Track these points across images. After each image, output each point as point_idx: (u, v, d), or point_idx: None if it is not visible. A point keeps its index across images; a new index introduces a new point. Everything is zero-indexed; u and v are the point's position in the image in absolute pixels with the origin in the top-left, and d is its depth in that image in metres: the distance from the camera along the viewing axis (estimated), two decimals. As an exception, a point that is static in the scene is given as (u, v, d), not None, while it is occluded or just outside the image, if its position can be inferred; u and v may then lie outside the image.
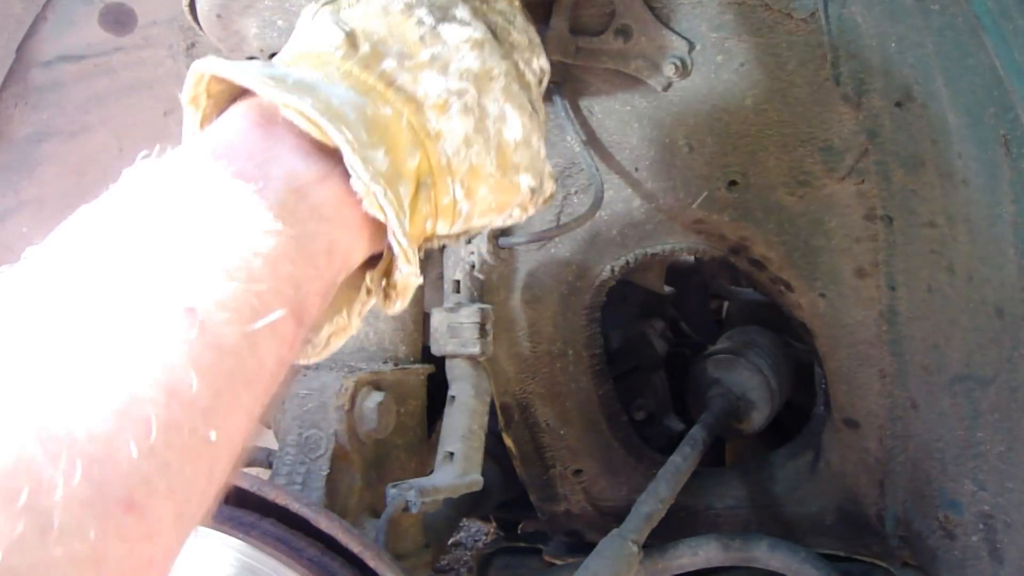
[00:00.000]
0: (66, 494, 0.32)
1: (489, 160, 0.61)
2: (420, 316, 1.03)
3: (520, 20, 0.70)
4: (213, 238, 0.43)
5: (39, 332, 0.36)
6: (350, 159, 0.50)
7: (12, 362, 0.35)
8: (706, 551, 1.15)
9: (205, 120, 0.55)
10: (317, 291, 0.49)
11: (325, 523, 0.74)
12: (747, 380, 1.43)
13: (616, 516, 1.26)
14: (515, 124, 0.63)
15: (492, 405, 1.14)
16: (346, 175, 0.50)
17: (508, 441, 1.33)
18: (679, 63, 0.93)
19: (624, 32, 0.93)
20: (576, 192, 1.10)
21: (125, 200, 0.44)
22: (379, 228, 0.53)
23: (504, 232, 0.99)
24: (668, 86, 0.96)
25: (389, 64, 0.57)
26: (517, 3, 0.72)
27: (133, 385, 0.36)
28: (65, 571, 0.31)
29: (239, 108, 0.53)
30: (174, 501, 0.37)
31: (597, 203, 0.99)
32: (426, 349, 1.04)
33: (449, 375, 1.01)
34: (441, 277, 1.03)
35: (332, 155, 0.51)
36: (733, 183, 1.02)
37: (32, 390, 0.34)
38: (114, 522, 0.34)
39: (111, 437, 0.34)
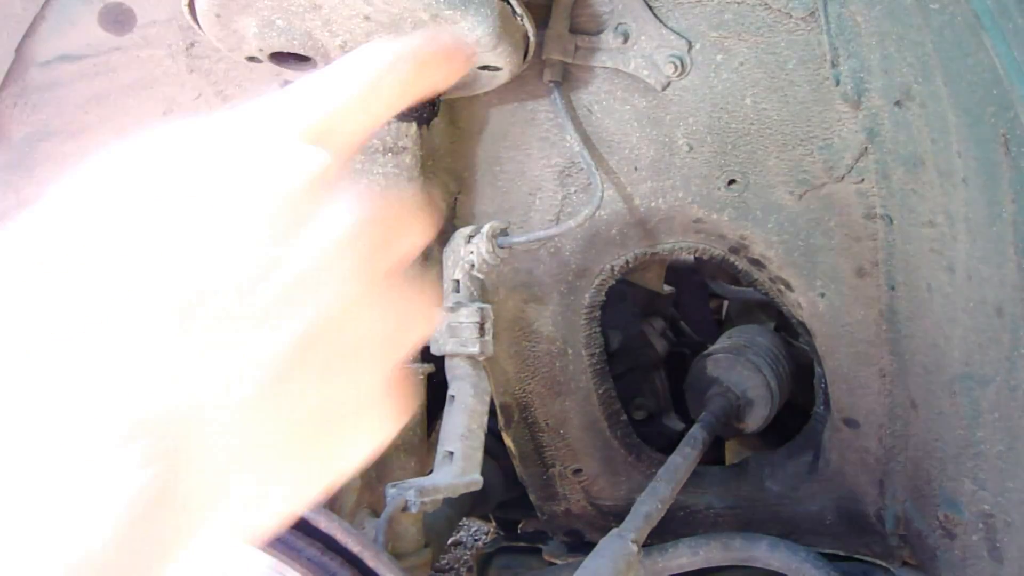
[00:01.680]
0: None
1: None
2: (420, 316, 1.03)
3: None
4: None
5: None
6: None
7: None
8: (706, 551, 1.15)
9: None
10: None
11: (324, 523, 0.74)
12: (747, 379, 1.43)
13: (616, 516, 1.26)
14: None
15: (492, 405, 1.14)
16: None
17: (508, 441, 1.33)
18: (678, 62, 0.93)
19: (623, 31, 0.93)
20: (576, 192, 1.10)
21: None
22: None
23: (504, 232, 0.99)
24: (667, 85, 0.96)
25: None
26: None
27: None
28: None
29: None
30: None
31: (597, 203, 0.99)
32: (426, 349, 1.03)
33: (449, 375, 1.01)
34: (440, 277, 1.03)
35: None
36: (732, 182, 1.02)
37: None
38: None
39: None
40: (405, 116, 0.96)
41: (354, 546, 0.74)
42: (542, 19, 1.02)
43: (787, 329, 1.57)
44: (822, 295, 1.06)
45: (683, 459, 1.19)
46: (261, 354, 0.34)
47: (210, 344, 0.32)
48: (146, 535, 0.30)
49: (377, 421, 0.39)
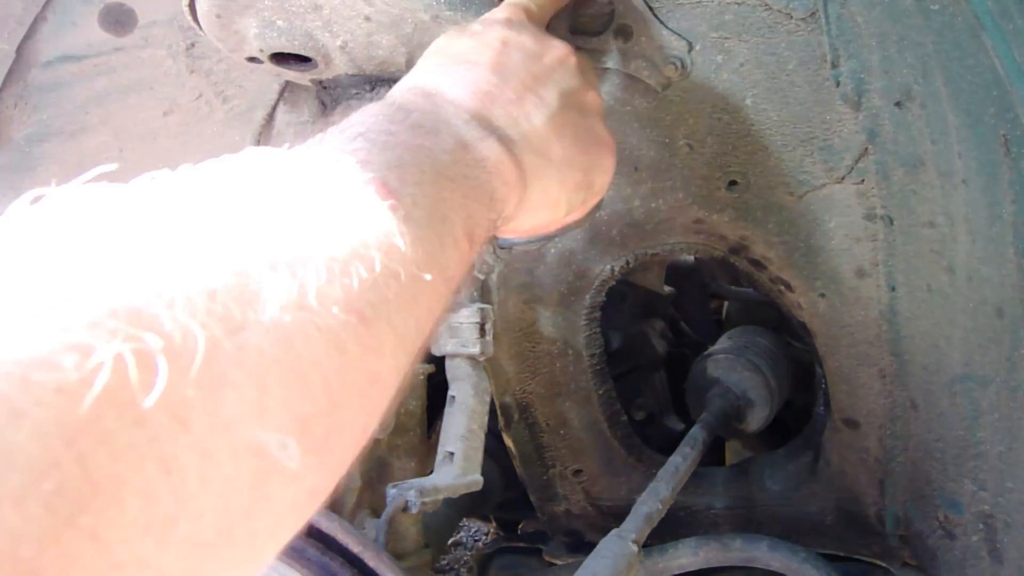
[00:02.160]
0: (319, 292, 0.36)
1: None
2: (420, 316, 1.03)
3: None
4: (401, 154, 0.49)
5: (267, 194, 0.41)
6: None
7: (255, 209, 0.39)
8: (706, 551, 1.15)
9: None
10: (483, 226, 0.55)
11: (325, 523, 0.74)
12: (747, 380, 1.43)
13: (616, 516, 1.26)
14: None
15: (492, 405, 1.14)
16: (501, 139, 0.61)
17: (508, 441, 1.33)
18: (679, 63, 0.93)
19: (624, 32, 0.93)
20: (576, 192, 1.10)
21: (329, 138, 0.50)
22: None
23: (504, 232, 0.99)
24: (668, 86, 0.96)
25: None
26: None
27: (359, 233, 0.41)
28: (322, 341, 0.36)
29: (405, 83, 0.64)
30: (393, 331, 0.41)
31: (597, 203, 0.99)
32: (426, 349, 1.03)
33: (449, 375, 1.01)
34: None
35: (486, 123, 0.62)
36: (733, 183, 1.02)
37: (273, 226, 0.38)
38: (351, 327, 0.38)
39: (345, 262, 0.39)
40: None
41: (355, 546, 0.74)
42: (542, 20, 1.02)
43: (787, 329, 1.57)
44: (822, 296, 1.06)
45: (683, 459, 1.19)
46: (549, 97, 0.67)
47: (522, 90, 0.65)
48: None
49: (609, 155, 0.75)
